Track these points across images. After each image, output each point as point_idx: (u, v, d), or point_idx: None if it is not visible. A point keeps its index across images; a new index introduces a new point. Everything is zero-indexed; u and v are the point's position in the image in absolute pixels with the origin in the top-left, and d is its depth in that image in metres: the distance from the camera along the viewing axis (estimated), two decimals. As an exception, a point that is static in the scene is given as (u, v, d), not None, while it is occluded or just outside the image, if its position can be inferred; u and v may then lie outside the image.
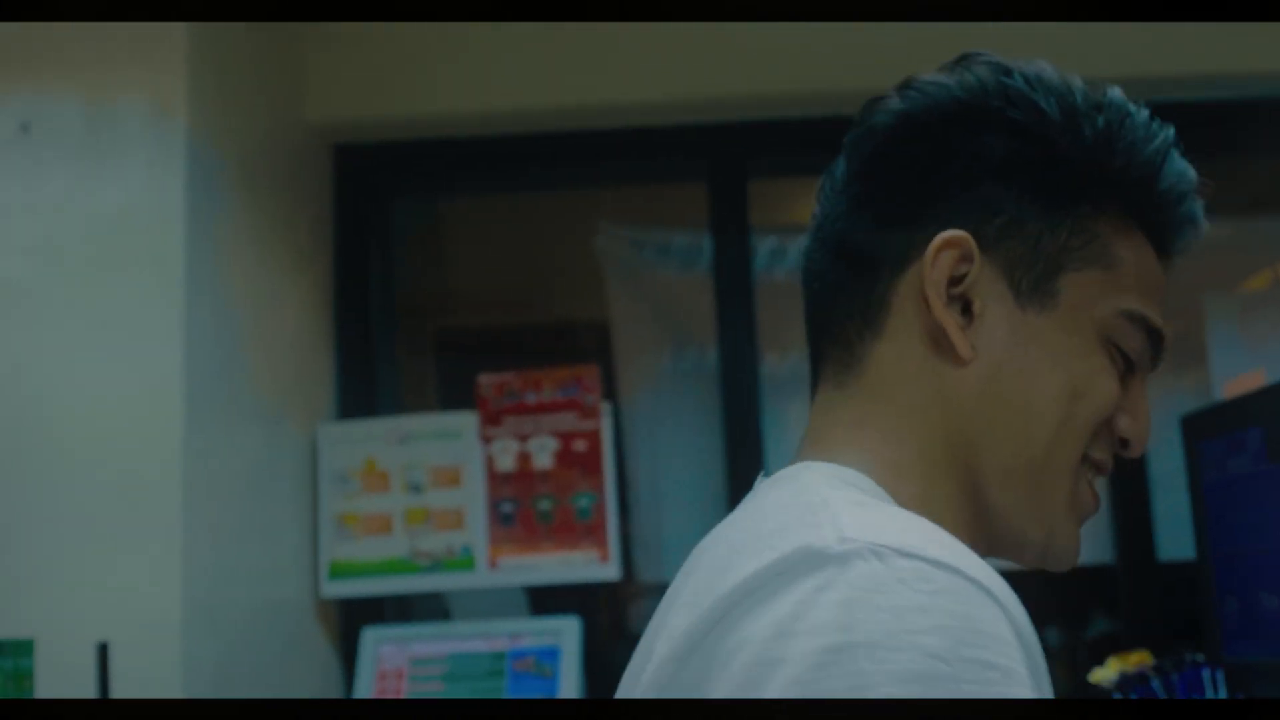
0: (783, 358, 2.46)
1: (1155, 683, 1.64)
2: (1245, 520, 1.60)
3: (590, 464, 2.21)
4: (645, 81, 2.37)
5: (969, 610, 0.58)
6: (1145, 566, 2.38)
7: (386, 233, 2.53)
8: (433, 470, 2.23)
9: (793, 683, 0.56)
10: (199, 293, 1.81)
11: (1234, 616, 1.62)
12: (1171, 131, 0.78)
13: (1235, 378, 2.32)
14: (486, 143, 2.47)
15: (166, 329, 1.76)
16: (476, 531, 2.20)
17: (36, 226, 1.78)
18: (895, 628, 0.56)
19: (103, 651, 1.64)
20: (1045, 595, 2.66)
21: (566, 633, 2.11)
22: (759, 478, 0.79)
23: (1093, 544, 2.37)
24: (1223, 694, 1.63)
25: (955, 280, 0.75)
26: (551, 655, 2.09)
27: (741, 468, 2.33)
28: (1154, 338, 0.78)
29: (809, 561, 0.60)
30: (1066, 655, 2.68)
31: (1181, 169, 0.79)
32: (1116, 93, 0.78)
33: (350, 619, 2.28)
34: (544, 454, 2.22)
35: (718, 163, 2.46)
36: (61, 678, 1.66)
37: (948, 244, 0.75)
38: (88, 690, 1.64)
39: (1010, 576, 0.79)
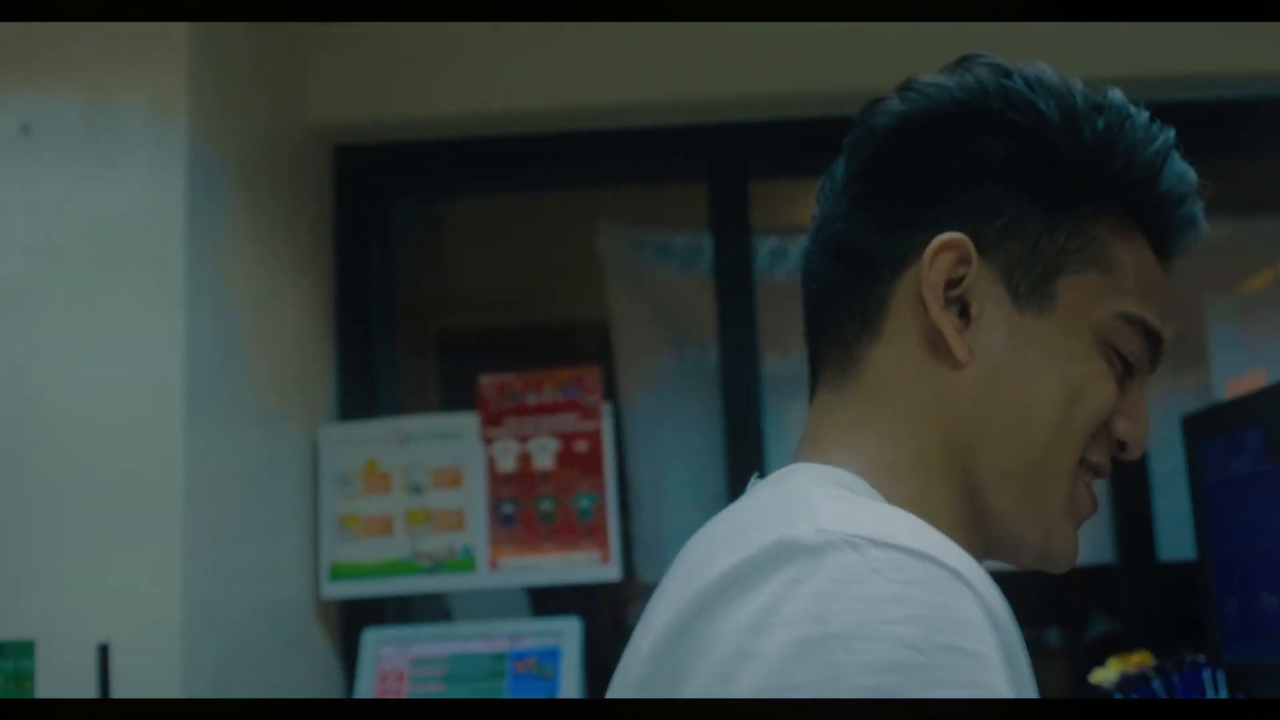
0: (784, 358, 2.46)
1: (1156, 683, 1.64)
2: (1246, 520, 1.60)
3: (591, 465, 2.21)
4: (645, 82, 2.37)
5: (943, 598, 0.58)
6: (1146, 567, 2.38)
7: (387, 233, 2.53)
8: (433, 471, 2.23)
9: (767, 675, 0.56)
10: (199, 293, 1.81)
11: (1234, 616, 1.62)
12: (1172, 133, 0.78)
13: (1236, 378, 2.32)
14: (487, 143, 2.47)
15: (167, 329, 1.76)
16: (477, 532, 2.20)
17: (37, 227, 1.79)
18: (869, 618, 0.56)
19: (103, 653, 1.64)
20: (1046, 596, 2.66)
21: (567, 633, 2.11)
22: (752, 479, 0.80)
23: (1093, 544, 2.37)
24: (1223, 694, 1.63)
25: (953, 283, 0.75)
26: (552, 656, 2.09)
27: (742, 468, 2.33)
28: (1152, 340, 0.78)
29: (785, 554, 0.60)
30: (1067, 655, 2.68)
31: (1182, 171, 0.78)
32: (1117, 94, 0.78)
33: (351, 620, 2.28)
34: (545, 455, 2.22)
35: (718, 163, 2.46)
36: (62, 678, 1.66)
37: (945, 246, 0.75)
38: (88, 691, 1.64)
39: (1011, 576, 0.79)
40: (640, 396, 2.53)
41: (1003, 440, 0.75)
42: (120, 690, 1.65)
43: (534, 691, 2.05)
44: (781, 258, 2.52)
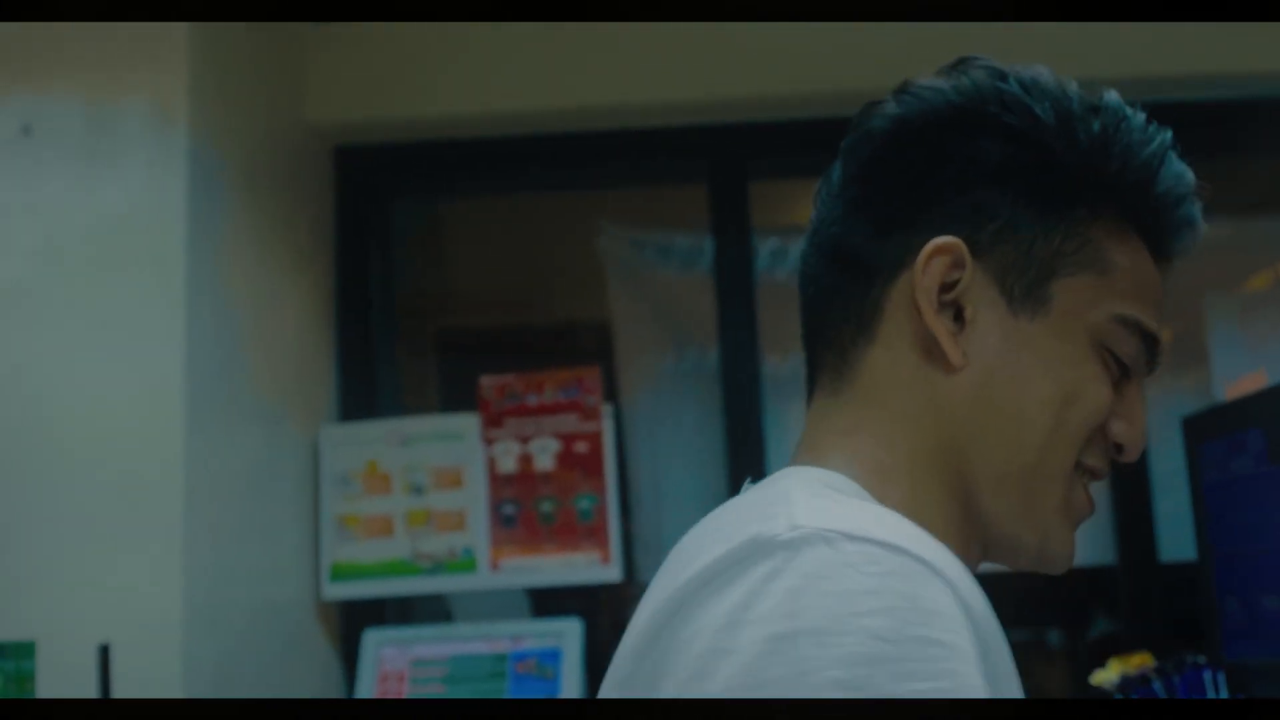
0: (784, 358, 2.46)
1: (1157, 684, 1.64)
2: (1246, 521, 1.60)
3: (592, 465, 2.21)
4: (646, 82, 2.37)
5: (915, 590, 0.58)
6: (1146, 567, 2.37)
7: (387, 234, 2.53)
8: (434, 472, 2.23)
9: (741, 671, 0.57)
10: (199, 293, 1.81)
11: (1235, 617, 1.62)
12: (1169, 135, 0.78)
13: (1236, 379, 2.32)
14: (487, 144, 2.47)
15: (167, 330, 1.76)
16: (478, 533, 2.20)
17: (37, 228, 1.79)
18: (841, 612, 0.57)
19: (104, 653, 1.64)
20: (1047, 597, 2.66)
21: (568, 634, 2.11)
22: (745, 484, 0.80)
23: (1094, 545, 2.37)
24: (1224, 695, 1.63)
25: (947, 287, 0.75)
26: (553, 657, 2.09)
27: (742, 468, 2.33)
28: (1149, 342, 0.78)
29: (760, 550, 0.61)
30: (1068, 656, 2.68)
31: (1179, 172, 0.78)
32: (1113, 96, 0.77)
33: (351, 621, 2.28)
34: (545, 455, 2.22)
35: (718, 164, 2.46)
36: (62, 679, 1.66)
37: (939, 250, 0.75)
38: (89, 692, 1.65)
39: (1012, 578, 0.79)
40: (641, 397, 2.53)
41: (997, 444, 0.75)
42: (121, 690, 1.65)
43: (535, 692, 2.05)
44: (782, 258, 2.52)
